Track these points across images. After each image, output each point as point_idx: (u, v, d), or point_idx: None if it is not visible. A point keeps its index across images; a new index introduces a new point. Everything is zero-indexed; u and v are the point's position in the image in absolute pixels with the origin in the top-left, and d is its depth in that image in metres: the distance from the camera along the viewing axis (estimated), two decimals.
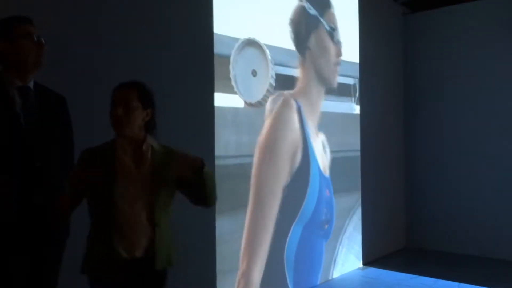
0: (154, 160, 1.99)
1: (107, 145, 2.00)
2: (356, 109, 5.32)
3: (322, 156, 4.63)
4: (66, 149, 2.17)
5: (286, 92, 4.22)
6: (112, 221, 1.90)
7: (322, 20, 4.64)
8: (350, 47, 5.26)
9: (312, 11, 4.52)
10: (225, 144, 3.67)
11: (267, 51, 4.03)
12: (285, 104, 4.19)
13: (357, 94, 5.29)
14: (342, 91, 5.05)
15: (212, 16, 3.60)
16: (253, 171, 3.86)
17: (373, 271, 5.19)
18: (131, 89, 1.95)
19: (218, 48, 3.62)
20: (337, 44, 4.86)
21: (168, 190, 2.02)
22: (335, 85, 4.89)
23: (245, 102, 3.86)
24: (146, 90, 2.00)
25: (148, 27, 3.17)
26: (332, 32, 4.77)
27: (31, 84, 2.04)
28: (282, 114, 4.15)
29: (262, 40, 3.99)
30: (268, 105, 4.05)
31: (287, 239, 4.17)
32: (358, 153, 5.36)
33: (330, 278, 4.80)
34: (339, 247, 4.99)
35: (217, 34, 3.63)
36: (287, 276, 4.16)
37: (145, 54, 3.12)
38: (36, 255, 2.01)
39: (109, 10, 2.97)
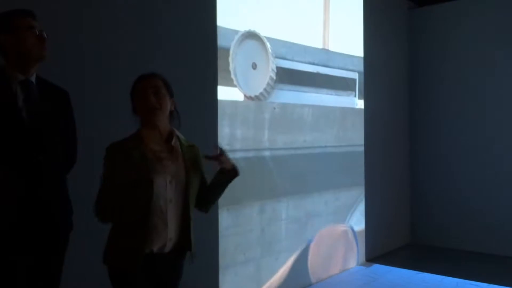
0: (184, 154, 1.99)
1: (134, 138, 1.93)
2: (359, 104, 5.25)
3: None
4: (69, 143, 2.15)
5: None
6: (148, 217, 1.85)
7: None
8: (354, 40, 5.20)
9: None
10: (227, 137, 3.65)
11: (268, 44, 3.99)
12: None
13: (358, 88, 5.21)
14: (344, 85, 4.99)
15: (215, 8, 3.57)
16: None
17: (377, 267, 5.14)
18: (157, 78, 1.95)
19: (218, 41, 3.59)
20: None
21: (197, 185, 2.02)
22: None
23: (245, 96, 3.82)
24: (167, 80, 2.00)
25: (150, 21, 3.15)
26: None
27: (33, 78, 2.02)
28: None
29: (263, 32, 3.95)
30: None
31: None
32: (359, 148, 5.29)
33: (333, 274, 4.76)
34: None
35: (218, 26, 3.60)
36: None
37: (146, 48, 3.10)
38: (40, 250, 2.00)
39: (112, 3, 2.94)
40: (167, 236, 1.91)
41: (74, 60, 2.70)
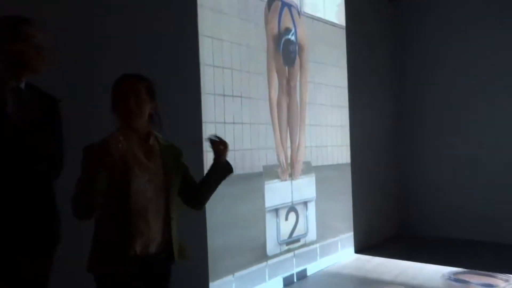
0: (162, 153, 1.97)
1: (111, 139, 1.86)
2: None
3: None
4: (56, 150, 2.11)
5: None
6: (128, 218, 1.84)
7: None
8: (337, 34, 5.22)
9: None
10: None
11: None
12: None
13: None
14: None
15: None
16: None
17: (366, 258, 5.19)
18: (139, 81, 1.92)
19: None
20: None
21: (177, 183, 2.01)
22: None
23: None
24: (150, 82, 1.97)
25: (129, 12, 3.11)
26: None
27: (22, 85, 1.98)
28: None
29: None
30: None
31: None
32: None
33: (323, 267, 4.80)
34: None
35: None
36: None
37: (125, 41, 3.06)
38: (30, 256, 1.96)
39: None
40: (150, 236, 1.89)
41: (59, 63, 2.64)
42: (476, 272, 4.53)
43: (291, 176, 4.48)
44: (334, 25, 5.22)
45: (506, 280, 4.26)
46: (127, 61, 2.80)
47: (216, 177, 2.08)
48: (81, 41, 2.80)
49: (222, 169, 2.06)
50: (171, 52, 3.33)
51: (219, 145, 2.03)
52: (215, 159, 2.05)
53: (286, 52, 4.50)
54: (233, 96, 3.87)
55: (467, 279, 4.34)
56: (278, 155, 4.33)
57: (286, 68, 4.50)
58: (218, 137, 2.04)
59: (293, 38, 4.58)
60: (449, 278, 4.37)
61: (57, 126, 2.13)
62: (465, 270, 4.60)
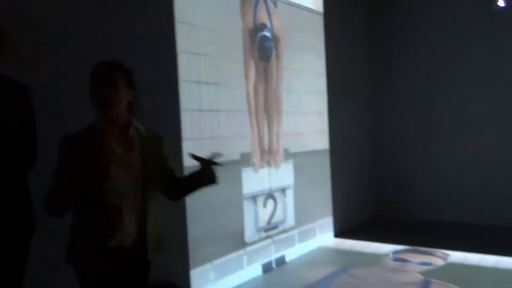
0: (142, 144, 1.92)
1: (88, 130, 1.86)
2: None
3: None
4: (27, 139, 2.05)
5: None
6: (103, 210, 1.81)
7: None
8: (314, 20, 5.19)
9: None
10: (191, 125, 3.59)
11: None
12: None
13: None
14: None
15: None
16: None
17: (344, 242, 5.25)
18: (115, 68, 1.86)
19: None
20: None
21: (157, 176, 1.96)
22: None
23: None
24: (127, 69, 1.91)
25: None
26: None
27: None
28: None
29: None
30: None
31: None
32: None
33: (301, 253, 4.84)
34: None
35: None
36: None
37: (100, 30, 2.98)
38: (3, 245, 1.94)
39: None
40: (125, 230, 1.86)
41: (27, 50, 2.56)
42: (416, 249, 4.68)
43: (269, 163, 4.48)
44: (311, 11, 5.19)
45: (443, 257, 4.39)
46: (102, 49, 2.74)
47: (198, 184, 2.04)
48: (55, 29, 2.72)
49: (207, 180, 2.01)
50: (147, 38, 3.26)
51: (208, 162, 1.96)
52: (202, 169, 1.99)
53: (262, 49, 4.45)
54: (209, 83, 3.82)
55: (407, 257, 4.46)
56: (254, 143, 4.31)
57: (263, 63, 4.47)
58: (211, 156, 1.98)
59: (269, 34, 4.53)
60: (390, 257, 4.50)
61: (29, 114, 2.07)
62: (407, 248, 4.75)
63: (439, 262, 4.33)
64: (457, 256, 4.48)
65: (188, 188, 2.09)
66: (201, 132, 3.70)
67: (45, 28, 2.66)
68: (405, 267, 4.20)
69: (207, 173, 1.99)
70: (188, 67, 3.61)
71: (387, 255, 4.59)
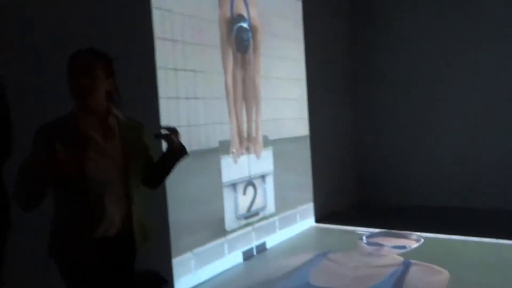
0: (122, 133, 1.90)
1: (66, 120, 1.82)
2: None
3: None
4: (4, 133, 2.00)
5: None
6: (85, 201, 1.77)
7: None
8: (292, 6, 5.15)
9: None
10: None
11: None
12: None
13: None
14: None
15: None
16: None
17: (325, 227, 5.29)
18: (93, 56, 1.82)
19: None
20: None
21: (139, 164, 1.95)
22: None
23: None
24: (107, 57, 1.87)
25: None
26: None
27: None
28: None
29: None
30: None
31: None
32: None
33: (282, 239, 4.86)
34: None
35: None
36: None
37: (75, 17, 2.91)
38: None
39: None
40: (108, 221, 1.83)
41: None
42: (389, 233, 4.76)
43: (249, 150, 4.47)
44: None
45: (417, 240, 4.48)
46: (77, 36, 2.67)
47: (171, 160, 2.06)
48: (29, 17, 2.63)
49: (177, 152, 2.04)
50: (124, 25, 3.19)
51: (170, 136, 1.99)
52: (169, 145, 2.02)
53: (239, 40, 4.40)
54: (185, 70, 3.77)
55: (381, 241, 4.53)
56: (232, 132, 4.28)
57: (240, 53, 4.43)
58: (166, 128, 2.01)
59: (246, 25, 4.48)
60: (364, 242, 4.57)
61: (3, 107, 2.01)
62: (380, 231, 4.82)
63: (413, 245, 4.40)
64: (432, 237, 4.57)
65: (164, 169, 2.09)
66: (179, 120, 3.66)
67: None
68: (380, 251, 4.26)
69: (174, 146, 2.01)
70: (164, 54, 3.56)
71: (360, 239, 4.64)
